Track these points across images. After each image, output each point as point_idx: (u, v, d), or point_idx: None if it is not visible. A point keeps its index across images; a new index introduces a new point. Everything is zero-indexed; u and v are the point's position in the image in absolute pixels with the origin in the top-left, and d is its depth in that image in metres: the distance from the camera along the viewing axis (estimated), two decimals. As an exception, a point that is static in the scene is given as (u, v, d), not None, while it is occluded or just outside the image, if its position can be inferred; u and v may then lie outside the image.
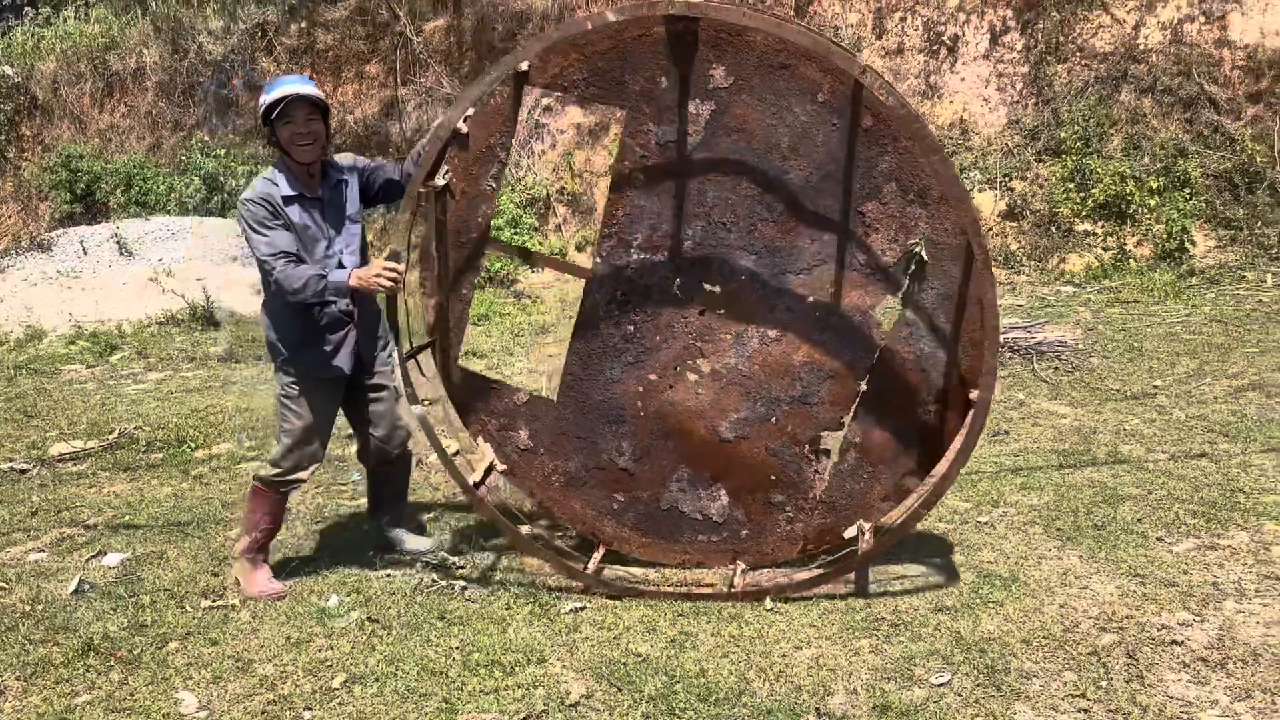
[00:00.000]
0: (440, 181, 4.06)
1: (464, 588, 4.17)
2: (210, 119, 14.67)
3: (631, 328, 4.11)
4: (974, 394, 3.82)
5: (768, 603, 3.94)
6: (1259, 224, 10.30)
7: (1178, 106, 11.20)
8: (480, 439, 4.32)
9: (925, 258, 3.84)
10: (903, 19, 12.65)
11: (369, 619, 3.93)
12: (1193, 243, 10.26)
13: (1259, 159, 10.55)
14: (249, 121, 14.72)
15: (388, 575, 4.32)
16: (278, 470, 4.21)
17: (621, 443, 4.19)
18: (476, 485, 4.15)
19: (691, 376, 4.11)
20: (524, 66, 3.90)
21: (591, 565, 4.16)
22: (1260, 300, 8.82)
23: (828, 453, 4.07)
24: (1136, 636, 3.57)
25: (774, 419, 4.08)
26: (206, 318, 9.89)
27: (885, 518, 4.09)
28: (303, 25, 14.88)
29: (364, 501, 4.84)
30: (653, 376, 4.12)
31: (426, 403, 4.34)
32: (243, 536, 4.27)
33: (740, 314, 4.04)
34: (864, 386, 3.99)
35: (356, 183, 4.24)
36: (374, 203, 4.33)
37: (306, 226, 4.06)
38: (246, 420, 6.82)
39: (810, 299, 3.97)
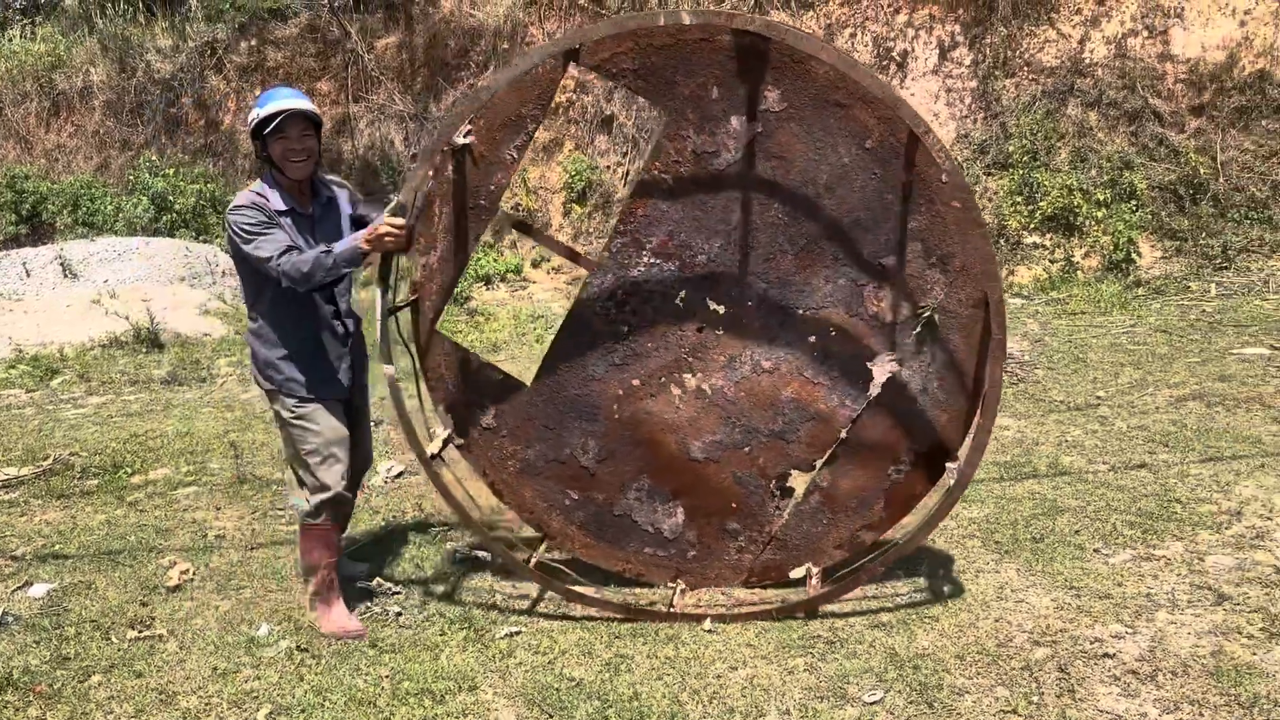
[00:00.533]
0: (461, 140, 3.89)
1: (398, 613, 4.10)
2: (159, 138, 14.49)
3: (625, 328, 4.01)
4: (951, 465, 3.84)
5: (706, 624, 3.90)
6: (1203, 235, 10.46)
7: (1123, 120, 11.37)
8: (442, 408, 4.19)
9: (936, 324, 3.82)
10: (853, 35, 12.75)
11: (298, 648, 3.85)
12: (1139, 254, 10.39)
13: (1202, 170, 10.72)
14: (198, 140, 14.57)
15: (322, 602, 4.24)
16: (320, 498, 4.00)
17: (588, 440, 4.10)
18: (433, 457, 4.04)
19: (675, 390, 4.04)
20: (577, 45, 3.77)
21: (534, 560, 4.09)
22: (1204, 310, 8.95)
23: (792, 491, 4.06)
24: (1069, 650, 3.57)
25: (748, 448, 4.04)
26: (151, 340, 9.73)
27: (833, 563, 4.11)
28: (253, 43, 14.76)
29: (298, 527, 4.74)
30: (635, 382, 4.05)
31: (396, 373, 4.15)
32: (308, 582, 4.09)
33: (739, 338, 3.98)
34: (844, 434, 3.97)
35: (347, 202, 4.18)
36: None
37: (296, 240, 3.92)
38: (186, 444, 6.71)
39: (812, 339, 3.93)
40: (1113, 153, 11.10)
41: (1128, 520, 4.61)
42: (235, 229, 3.84)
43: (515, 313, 10.63)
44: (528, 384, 4.10)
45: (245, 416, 7.19)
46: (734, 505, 4.08)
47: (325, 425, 4.01)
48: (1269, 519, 4.54)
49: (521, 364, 8.40)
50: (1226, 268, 10.13)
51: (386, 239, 3.78)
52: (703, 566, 4.14)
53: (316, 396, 4.01)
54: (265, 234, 3.83)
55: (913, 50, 12.53)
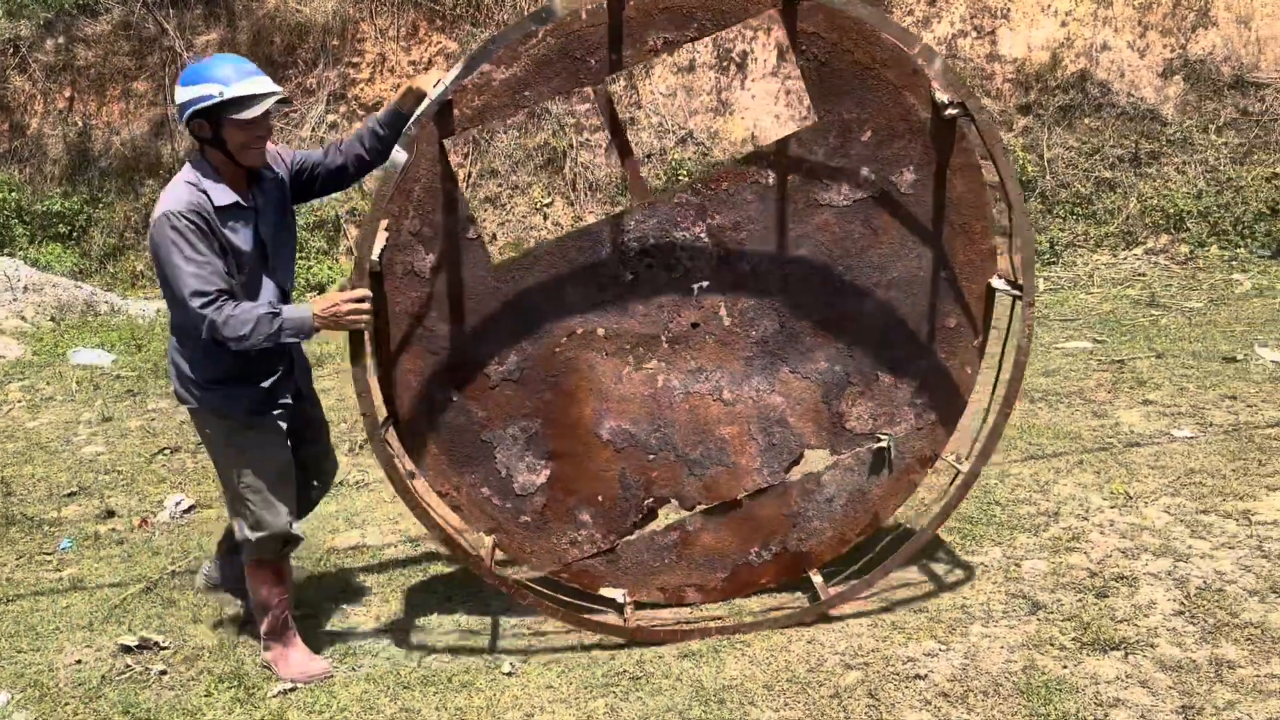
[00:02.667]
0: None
1: (162, 672, 3.67)
2: (-47, 142, 13.34)
3: (629, 277, 3.68)
4: (817, 577, 3.88)
5: (506, 665, 3.60)
6: (1031, 231, 10.70)
7: (954, 119, 11.56)
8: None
9: (888, 456, 3.85)
10: (693, 34, 12.65)
11: (37, 721, 3.38)
12: (972, 251, 10.56)
13: (1029, 168, 10.98)
14: (1, 145, 13.47)
15: (78, 664, 3.76)
16: (263, 534, 3.54)
17: (512, 353, 3.68)
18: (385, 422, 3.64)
19: (630, 363, 3.74)
20: None
21: (487, 556, 3.72)
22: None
23: (654, 517, 3.85)
24: (881, 672, 3.41)
25: (652, 457, 3.79)
26: (-65, 363, 8.83)
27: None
28: (60, 41, 13.73)
29: (71, 572, 4.21)
30: (600, 331, 3.70)
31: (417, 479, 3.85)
32: (261, 621, 3.66)
33: (721, 356, 3.76)
34: (741, 496, 3.84)
35: (286, 177, 3.62)
36: (305, 198, 3.71)
37: (239, 242, 3.40)
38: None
39: (779, 400, 3.79)
40: (569, 229, 11.26)
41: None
42: (165, 240, 3.23)
43: (347, 324, 10.09)
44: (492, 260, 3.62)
45: (27, 447, 6.53)
46: (600, 498, 3.79)
47: (267, 456, 3.53)
48: (1085, 519, 4.51)
49: (346, 379, 7.93)
50: (1054, 263, 10.39)
51: (348, 318, 3.29)
52: (525, 537, 3.79)
53: (258, 414, 3.52)
54: (198, 260, 3.24)
55: (752, 51, 12.51)
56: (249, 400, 3.50)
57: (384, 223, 3.47)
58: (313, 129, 12.74)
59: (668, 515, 3.88)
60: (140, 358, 8.92)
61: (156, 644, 3.85)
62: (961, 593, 3.92)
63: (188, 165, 3.40)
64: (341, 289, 3.50)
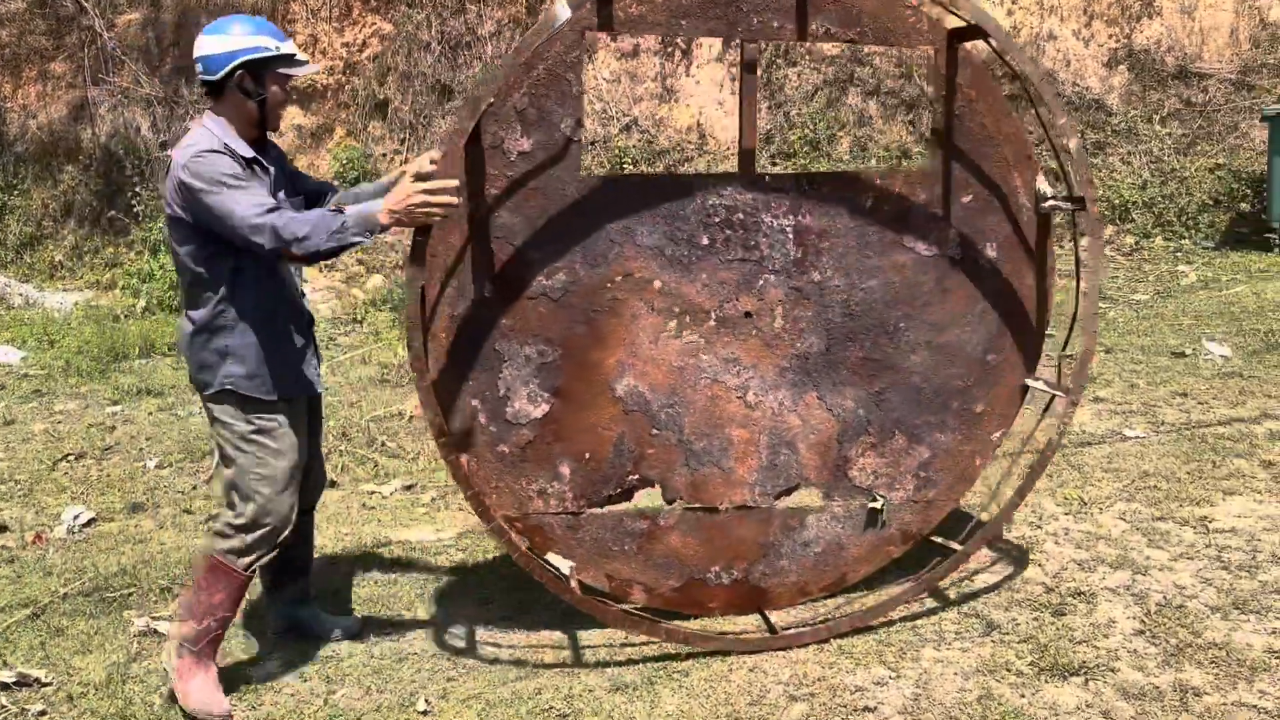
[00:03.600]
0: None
1: (41, 713, 3.32)
2: None
3: (705, 241, 3.51)
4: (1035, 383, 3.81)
5: (420, 704, 3.30)
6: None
7: (901, 109, 11.41)
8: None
9: (880, 519, 3.74)
10: (636, 19, 12.35)
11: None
12: (919, 242, 10.43)
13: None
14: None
15: (-53, 702, 3.40)
16: (258, 534, 3.25)
17: (559, 271, 3.43)
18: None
19: (670, 326, 3.52)
20: None
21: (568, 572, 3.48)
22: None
23: (630, 497, 3.60)
24: (828, 704, 3.17)
25: (655, 431, 3.54)
26: None
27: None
28: (-29, 17, 13.05)
29: (203, 559, 3.64)
30: (657, 284, 3.49)
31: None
32: (186, 622, 3.27)
33: (759, 356, 3.60)
34: (723, 506, 3.63)
35: (280, 160, 3.44)
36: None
37: None
38: None
39: (797, 423, 3.64)
40: (891, 142, 11.11)
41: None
42: (203, 178, 3.03)
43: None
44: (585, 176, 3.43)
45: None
46: (587, 456, 3.52)
47: (288, 445, 3.29)
48: (1039, 527, 4.33)
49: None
50: (1001, 255, 10.28)
51: (421, 209, 3.02)
52: (495, 469, 3.46)
53: (283, 397, 3.28)
54: (243, 186, 3.06)
55: (695, 38, 12.23)
56: (280, 377, 3.28)
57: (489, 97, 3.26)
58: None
59: (643, 500, 3.64)
60: (52, 354, 8.44)
61: (37, 680, 3.49)
62: (912, 610, 3.70)
63: (201, 125, 3.20)
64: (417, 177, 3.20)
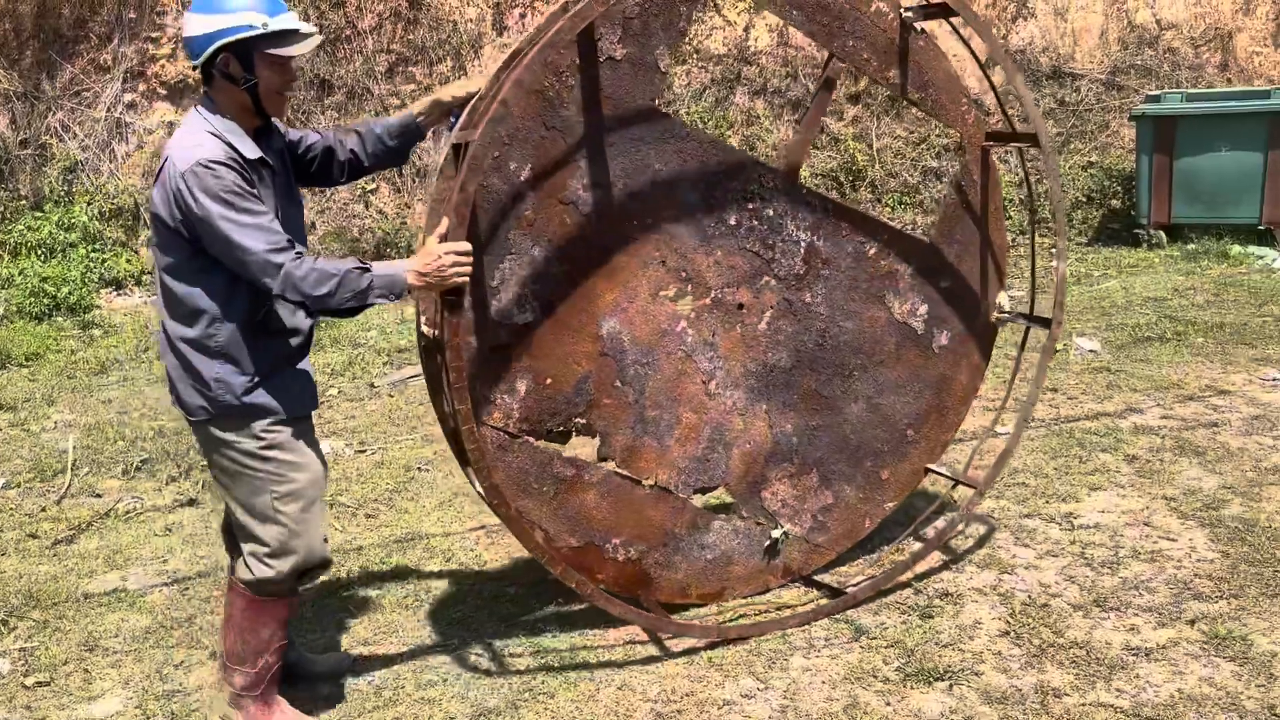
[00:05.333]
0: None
1: None
2: None
3: (731, 220, 3.51)
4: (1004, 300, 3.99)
5: (271, 733, 3.13)
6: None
7: (788, 108, 11.48)
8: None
9: (778, 546, 3.77)
10: (523, 16, 12.18)
11: None
12: (805, 240, 10.50)
13: (860, 158, 10.99)
14: None
15: None
16: (291, 560, 2.95)
17: (597, 188, 3.32)
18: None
19: (672, 287, 3.47)
20: None
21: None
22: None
23: (566, 439, 3.46)
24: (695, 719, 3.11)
25: (618, 383, 3.44)
26: None
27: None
28: None
29: (236, 598, 3.16)
30: (675, 241, 3.45)
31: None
32: (238, 670, 3.03)
33: (734, 350, 3.58)
34: (647, 482, 3.55)
35: (285, 160, 3.09)
36: (305, 183, 3.19)
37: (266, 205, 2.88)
38: None
39: (739, 425, 3.63)
40: (778, 141, 11.18)
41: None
42: (210, 194, 2.68)
43: (144, 323, 9.24)
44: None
45: None
46: (548, 382, 3.36)
47: (308, 458, 2.98)
48: (908, 525, 4.34)
49: (136, 385, 7.19)
50: (885, 252, 10.43)
51: (452, 271, 2.86)
52: (480, 397, 3.27)
53: (293, 415, 2.96)
54: (255, 210, 2.73)
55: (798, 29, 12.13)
56: (296, 391, 2.97)
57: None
58: (108, 109, 11.69)
59: (577, 448, 3.54)
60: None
61: None
62: (783, 616, 3.66)
63: (197, 114, 2.87)
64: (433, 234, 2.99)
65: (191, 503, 5.00)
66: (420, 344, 3.46)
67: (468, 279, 2.94)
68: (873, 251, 3.72)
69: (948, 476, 3.99)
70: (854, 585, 3.77)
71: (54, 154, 11.38)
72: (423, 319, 3.38)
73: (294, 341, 3.00)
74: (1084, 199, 10.66)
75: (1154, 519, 4.20)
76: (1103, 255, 9.72)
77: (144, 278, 10.73)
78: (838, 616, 3.66)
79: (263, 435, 2.91)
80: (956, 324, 3.89)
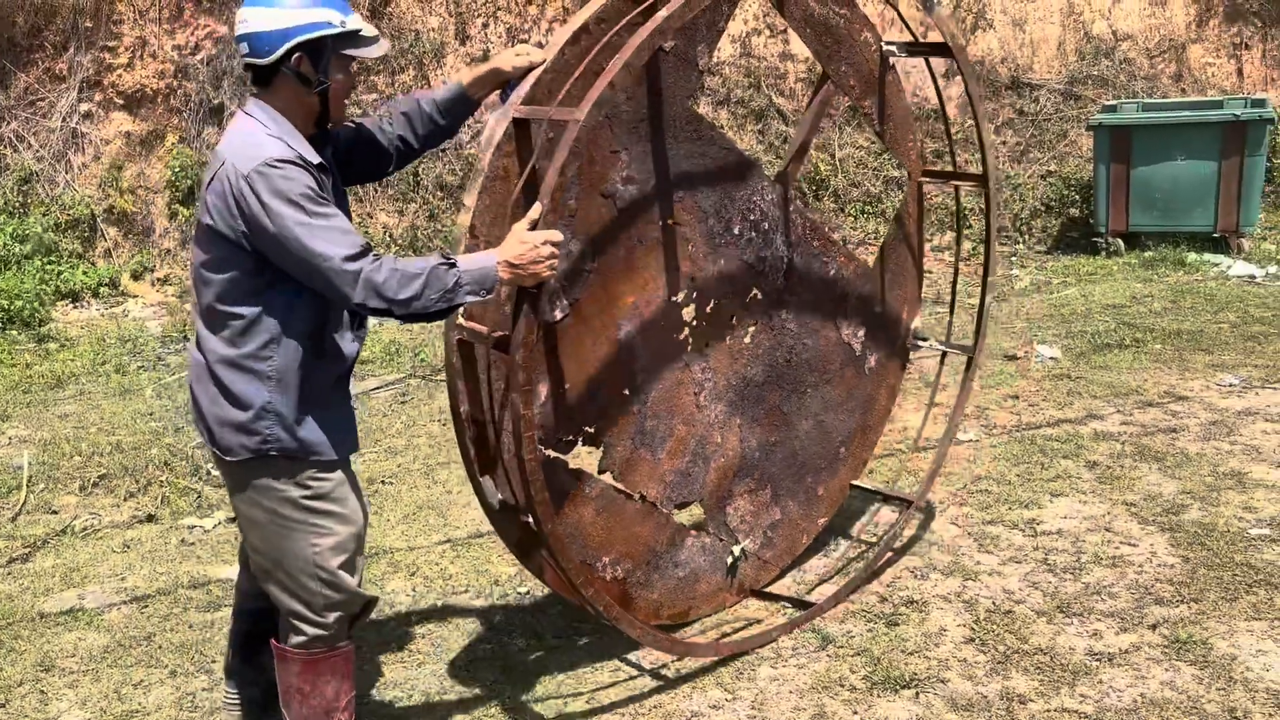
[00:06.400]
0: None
1: None
2: None
3: (736, 228, 3.48)
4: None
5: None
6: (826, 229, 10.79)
7: (750, 118, 11.54)
8: None
9: (734, 566, 3.75)
10: (485, 25, 12.16)
11: None
12: (770, 249, 10.55)
13: (822, 167, 11.06)
14: None
15: None
16: (336, 614, 2.74)
17: (631, 186, 3.21)
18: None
19: (680, 292, 3.39)
20: None
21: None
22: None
23: (569, 450, 3.27)
24: (663, 733, 3.09)
25: (626, 390, 3.36)
26: None
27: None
28: None
29: (290, 660, 2.92)
30: (690, 245, 3.39)
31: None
32: None
33: (721, 362, 3.56)
34: (639, 496, 3.44)
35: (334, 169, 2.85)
36: (349, 183, 2.96)
37: None
38: None
39: (717, 439, 3.60)
40: (742, 150, 11.23)
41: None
42: (281, 197, 2.44)
43: (101, 336, 9.10)
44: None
45: None
46: (566, 387, 3.21)
47: (353, 508, 2.75)
48: (874, 533, 4.35)
49: (93, 400, 7.07)
50: (848, 261, 10.49)
51: (546, 263, 2.61)
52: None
53: (340, 459, 2.73)
54: (327, 214, 2.48)
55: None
56: (345, 428, 2.73)
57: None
58: (63, 119, 11.52)
59: (580, 458, 3.37)
60: None
61: None
62: (751, 628, 3.66)
63: (250, 117, 2.63)
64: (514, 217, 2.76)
65: (150, 519, 4.92)
66: (453, 338, 3.01)
67: (555, 272, 2.69)
68: (833, 271, 3.80)
69: (870, 489, 4.18)
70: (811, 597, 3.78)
71: (8, 164, 11.20)
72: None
73: (342, 370, 2.76)
74: (1043, 207, 10.80)
75: (1115, 524, 4.24)
76: (1062, 263, 9.84)
77: (101, 290, 10.58)
78: (805, 627, 3.66)
79: (309, 484, 2.67)
80: (884, 347, 4.03)
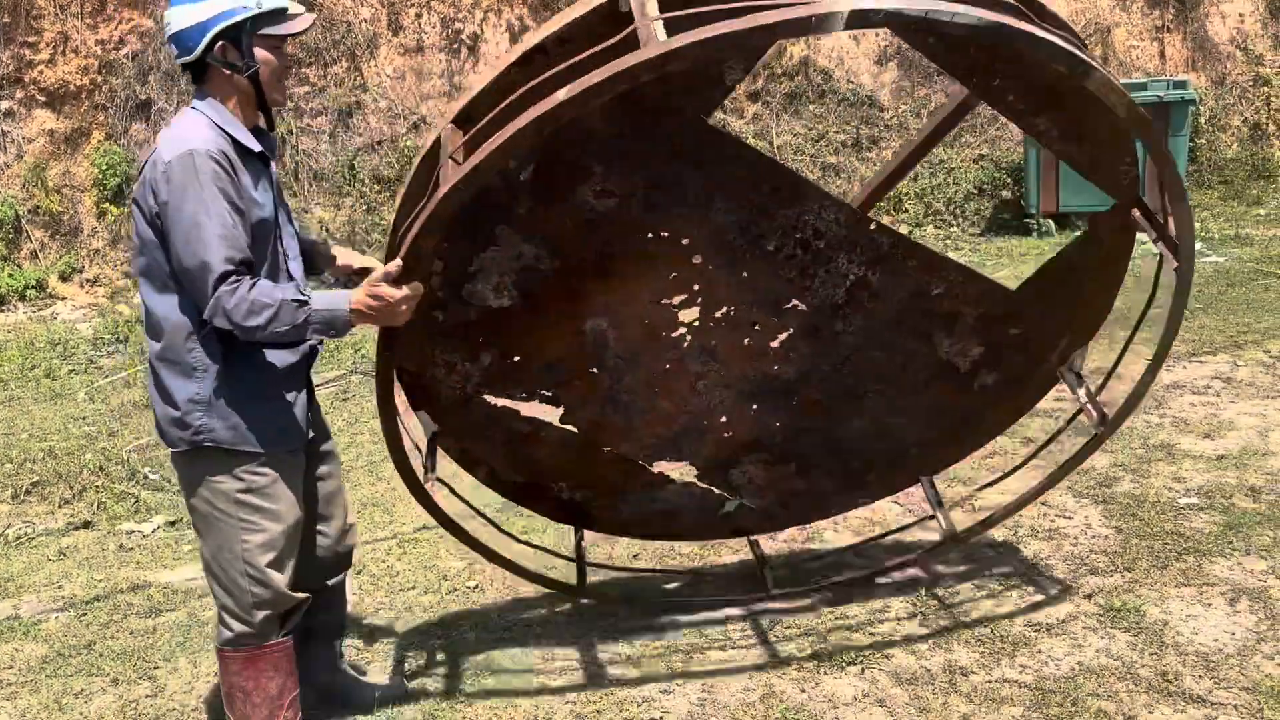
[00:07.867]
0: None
1: None
2: None
3: (770, 246, 3.31)
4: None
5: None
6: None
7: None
8: None
9: (729, 510, 3.78)
10: (419, 15, 12.03)
11: None
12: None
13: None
14: None
15: None
16: (264, 613, 2.73)
17: (608, 200, 3.13)
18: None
19: (676, 300, 3.36)
20: None
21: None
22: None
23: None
24: (615, 718, 3.11)
25: (595, 369, 3.41)
26: None
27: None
28: None
29: (227, 658, 2.88)
30: (695, 258, 3.30)
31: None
32: None
33: (735, 359, 3.49)
34: (607, 448, 3.56)
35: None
36: None
37: (262, 206, 2.68)
38: None
39: (720, 422, 3.61)
40: (791, 169, 11.25)
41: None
42: (189, 185, 2.50)
43: (30, 340, 8.87)
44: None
45: None
46: (516, 359, 3.35)
47: (285, 505, 2.74)
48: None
49: (23, 405, 6.90)
50: (787, 247, 10.59)
51: (401, 314, 2.65)
52: (416, 321, 2.96)
53: (286, 445, 2.75)
54: (230, 219, 2.53)
55: (482, 33, 12.04)
56: (278, 425, 2.73)
57: None
58: None
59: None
60: None
61: None
62: (702, 616, 3.69)
63: (199, 109, 2.66)
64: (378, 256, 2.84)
65: (86, 525, 4.82)
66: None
67: (406, 320, 2.72)
68: (935, 292, 3.49)
69: (932, 501, 3.87)
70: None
71: (-74, 165, 10.85)
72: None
73: (283, 362, 2.74)
74: (975, 191, 10.98)
75: (1050, 498, 4.34)
76: (995, 245, 10.02)
77: (28, 293, 10.31)
78: (754, 610, 3.70)
79: (243, 478, 2.69)
80: (1014, 370, 3.70)
